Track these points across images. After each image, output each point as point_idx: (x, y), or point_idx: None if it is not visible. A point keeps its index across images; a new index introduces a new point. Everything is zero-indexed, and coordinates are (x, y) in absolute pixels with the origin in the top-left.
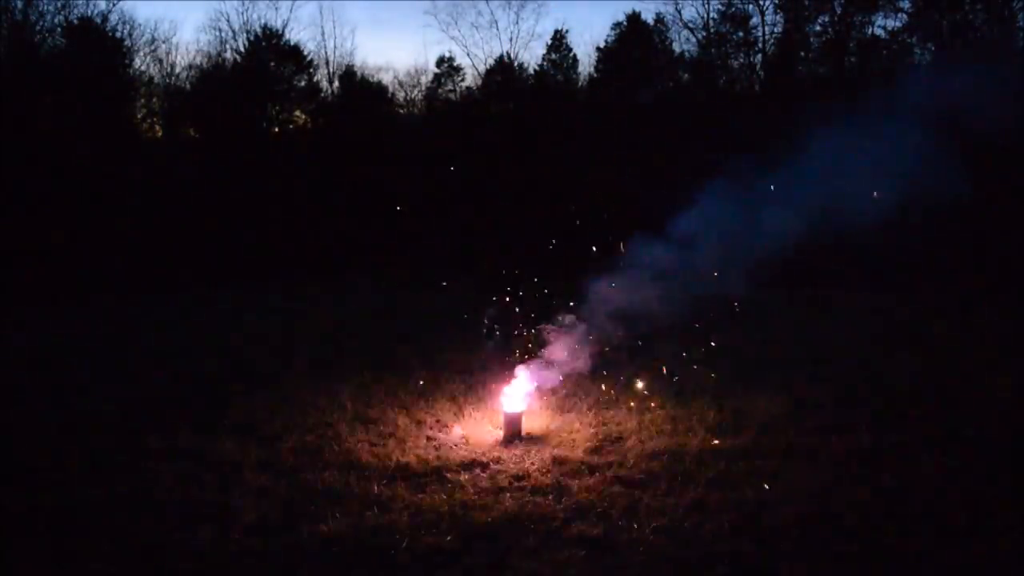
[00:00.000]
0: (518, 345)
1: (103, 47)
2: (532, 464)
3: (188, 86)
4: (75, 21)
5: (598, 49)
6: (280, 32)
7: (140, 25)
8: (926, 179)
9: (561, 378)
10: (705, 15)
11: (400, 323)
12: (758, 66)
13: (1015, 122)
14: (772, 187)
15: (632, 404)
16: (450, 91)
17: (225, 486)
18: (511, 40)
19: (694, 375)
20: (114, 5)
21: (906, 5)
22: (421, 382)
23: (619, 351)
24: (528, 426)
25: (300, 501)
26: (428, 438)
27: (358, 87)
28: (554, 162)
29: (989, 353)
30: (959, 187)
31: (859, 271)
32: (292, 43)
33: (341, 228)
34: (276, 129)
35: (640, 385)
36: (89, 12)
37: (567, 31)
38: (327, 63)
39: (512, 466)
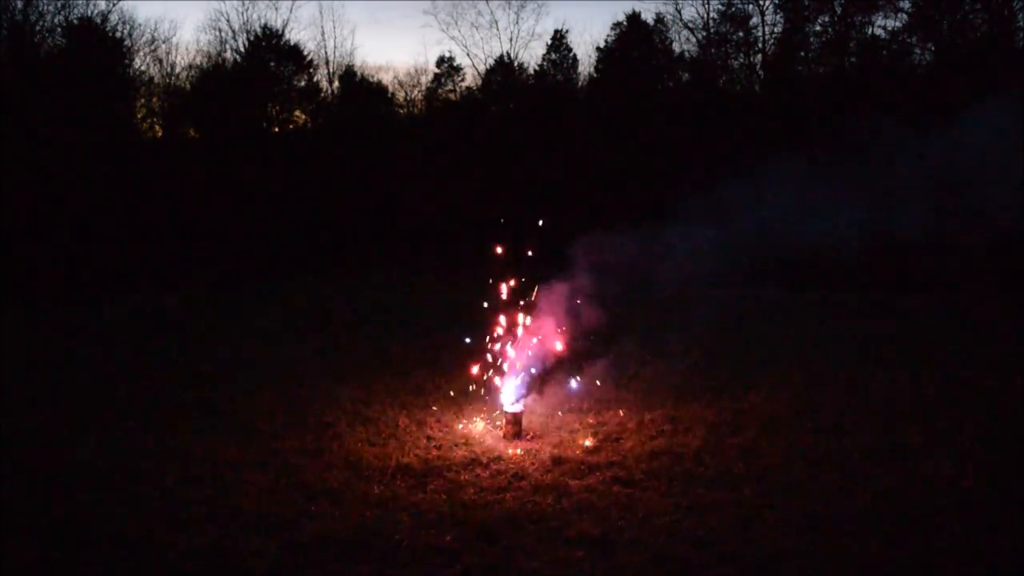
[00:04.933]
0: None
1: (103, 47)
2: (532, 464)
3: (188, 86)
4: (75, 21)
5: (598, 49)
6: (280, 32)
7: (140, 25)
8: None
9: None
10: (705, 15)
11: (400, 322)
12: (758, 66)
13: None
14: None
15: (632, 404)
16: (450, 91)
17: (225, 486)
18: (511, 40)
19: (694, 375)
20: (114, 5)
21: (906, 5)
22: (421, 382)
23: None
24: (528, 426)
25: (300, 501)
26: (428, 438)
27: (358, 87)
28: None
29: (994, 355)
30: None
31: (865, 273)
32: (292, 43)
33: (340, 227)
34: (276, 129)
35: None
36: (89, 12)
37: (567, 31)
38: (327, 63)
39: (512, 466)
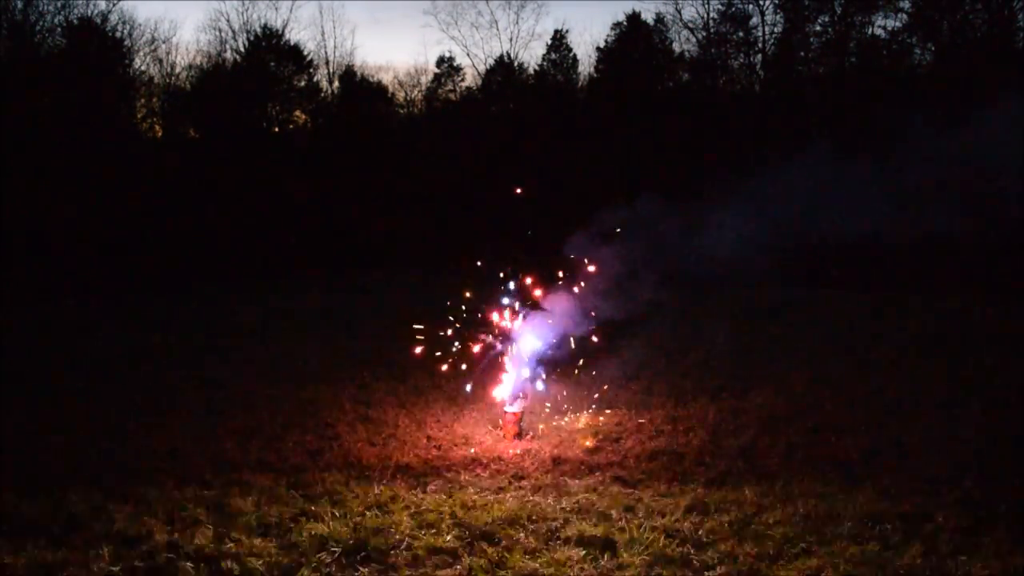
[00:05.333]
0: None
1: (103, 47)
2: (532, 464)
3: (188, 86)
4: (75, 21)
5: (598, 49)
6: (280, 32)
7: (140, 25)
8: None
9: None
10: (705, 15)
11: (400, 321)
12: (758, 66)
13: None
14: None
15: (632, 404)
16: (450, 91)
17: (225, 486)
18: (511, 40)
19: (694, 375)
20: (114, 5)
21: (906, 5)
22: (420, 382)
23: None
24: (528, 426)
25: (300, 501)
26: (428, 438)
27: (358, 87)
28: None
29: (995, 355)
30: None
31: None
32: (292, 43)
33: (340, 226)
34: (276, 129)
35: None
36: (89, 12)
37: (567, 31)
38: (327, 63)
39: (512, 466)
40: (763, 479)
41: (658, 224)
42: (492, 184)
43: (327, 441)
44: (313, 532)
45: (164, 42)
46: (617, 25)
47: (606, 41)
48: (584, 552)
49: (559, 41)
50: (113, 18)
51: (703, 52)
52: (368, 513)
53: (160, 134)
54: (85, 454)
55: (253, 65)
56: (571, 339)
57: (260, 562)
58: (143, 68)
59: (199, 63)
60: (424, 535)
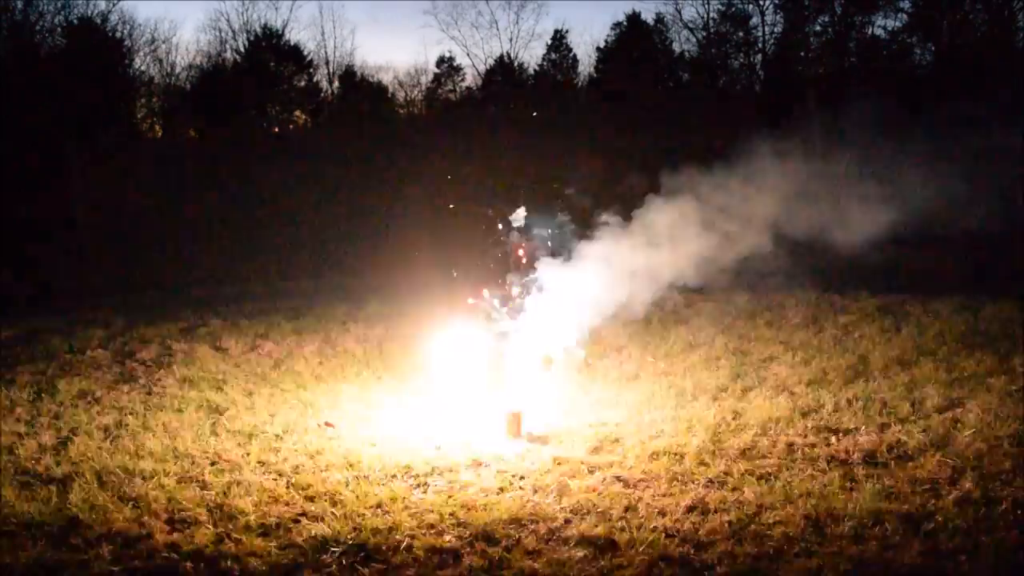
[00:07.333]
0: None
1: (103, 47)
2: (532, 464)
3: (188, 86)
4: (75, 21)
5: (598, 49)
6: (280, 32)
7: (140, 25)
8: None
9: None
10: (705, 15)
11: (399, 322)
12: (758, 66)
13: None
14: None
15: (632, 404)
16: (450, 91)
17: (225, 486)
18: (511, 40)
19: (694, 375)
20: (114, 5)
21: (906, 5)
22: (421, 382)
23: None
24: (528, 426)
25: (300, 501)
26: (428, 438)
27: (358, 87)
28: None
29: (994, 355)
30: None
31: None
32: (292, 43)
33: (340, 226)
34: (276, 129)
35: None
36: (89, 12)
37: (567, 31)
38: (327, 63)
39: (512, 466)
40: (763, 479)
41: (655, 225)
42: (492, 184)
43: (327, 441)
44: (313, 532)
45: (164, 42)
46: (617, 25)
47: (606, 41)
48: (584, 552)
49: (559, 41)
50: (113, 18)
51: (703, 52)
52: (368, 513)
53: (160, 134)
54: (85, 453)
55: (253, 65)
56: (574, 333)
57: (260, 562)
58: (143, 68)
59: (199, 63)
60: (424, 535)
